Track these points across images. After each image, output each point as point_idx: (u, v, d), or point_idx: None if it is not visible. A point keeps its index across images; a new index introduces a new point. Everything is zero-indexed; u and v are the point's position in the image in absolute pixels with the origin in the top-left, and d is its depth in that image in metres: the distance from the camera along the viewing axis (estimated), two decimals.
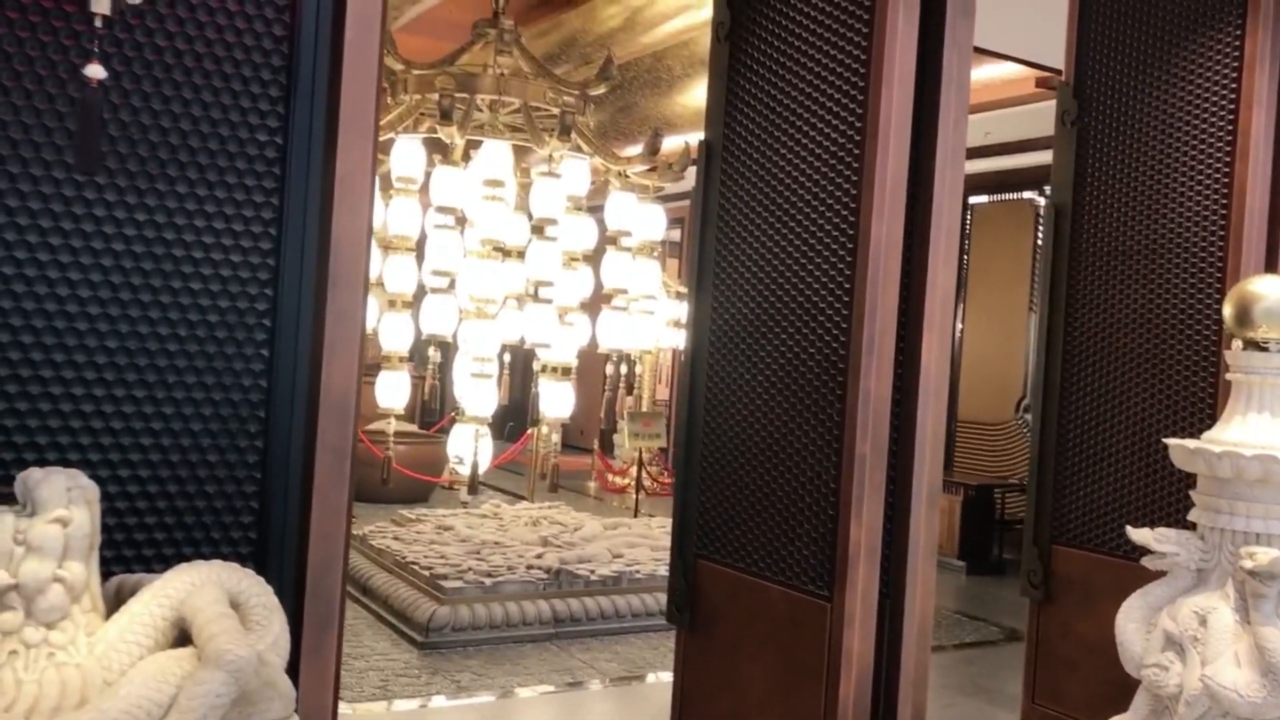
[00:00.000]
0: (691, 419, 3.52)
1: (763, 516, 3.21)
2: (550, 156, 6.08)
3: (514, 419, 13.66)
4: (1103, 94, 4.05)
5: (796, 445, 3.11)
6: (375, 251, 5.90)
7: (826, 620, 2.94)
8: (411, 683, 5.13)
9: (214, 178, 2.20)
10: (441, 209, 5.93)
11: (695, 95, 8.51)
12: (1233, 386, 2.91)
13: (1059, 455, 4.11)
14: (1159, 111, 3.89)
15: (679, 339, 9.96)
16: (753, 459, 3.27)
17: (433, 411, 11.65)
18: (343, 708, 2.70)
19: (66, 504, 1.77)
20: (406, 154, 5.89)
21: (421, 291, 6.09)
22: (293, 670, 2.08)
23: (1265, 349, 2.83)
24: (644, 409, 11.63)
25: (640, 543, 7.25)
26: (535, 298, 6.17)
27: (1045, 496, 4.12)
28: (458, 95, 5.90)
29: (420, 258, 6.08)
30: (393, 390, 6.08)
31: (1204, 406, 3.68)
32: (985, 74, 7.28)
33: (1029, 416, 4.91)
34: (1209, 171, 3.75)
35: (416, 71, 6.06)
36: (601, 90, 6.43)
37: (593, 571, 6.46)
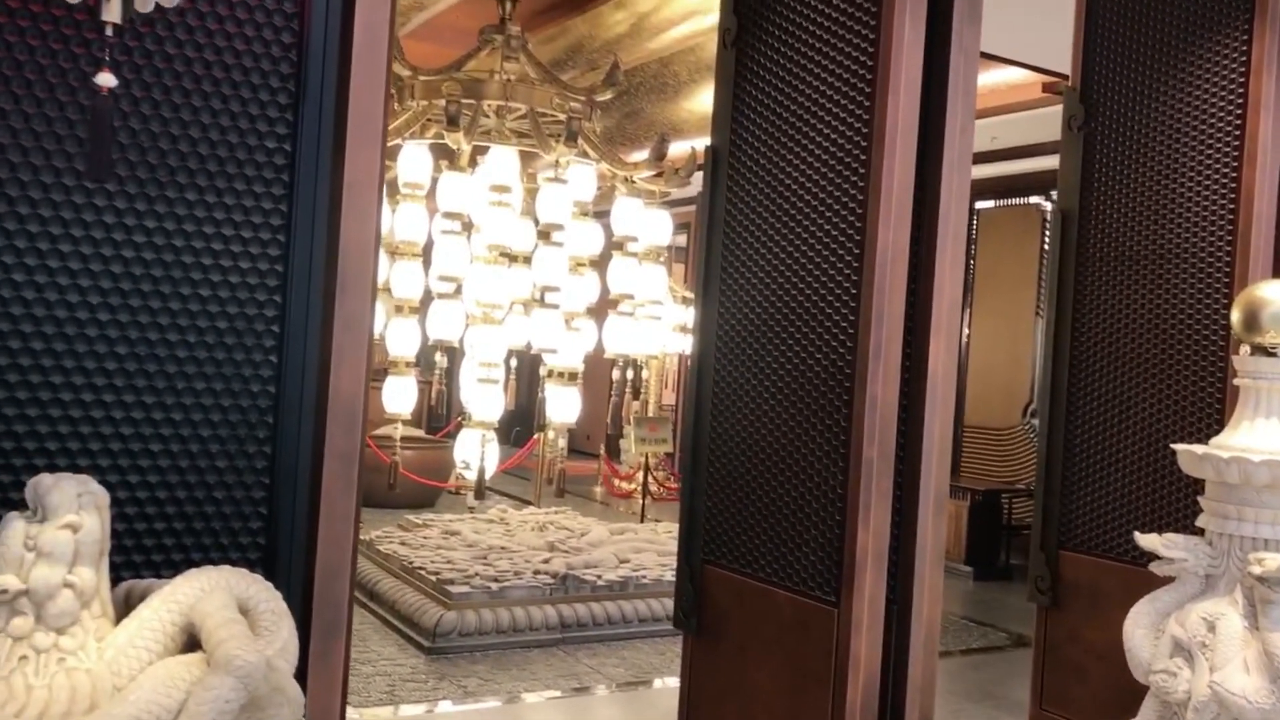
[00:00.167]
0: (698, 424, 3.52)
1: (769, 522, 3.21)
2: (557, 162, 6.09)
3: (520, 424, 13.66)
4: (1109, 99, 4.05)
5: (803, 451, 3.11)
6: (382, 257, 5.92)
7: (833, 626, 2.94)
8: (418, 688, 5.13)
9: (223, 184, 2.21)
10: (448, 214, 5.94)
11: (701, 101, 8.52)
12: (1240, 392, 2.91)
13: (1066, 460, 4.10)
14: (1166, 116, 3.89)
15: (685, 344, 9.97)
16: (759, 464, 3.27)
17: (439, 417, 11.66)
18: (350, 713, 2.71)
19: (77, 510, 1.78)
20: (413, 160, 5.90)
21: (428, 297, 6.10)
22: (301, 675, 2.09)
23: (1273, 354, 2.82)
24: (650, 414, 11.62)
25: (647, 548, 7.24)
26: (542, 303, 6.18)
27: (1053, 502, 4.11)
28: (464, 101, 5.91)
29: (427, 263, 6.09)
30: (400, 395, 6.09)
31: (1211, 412, 3.67)
32: (992, 79, 7.28)
33: (1036, 421, 4.90)
34: (1216, 176, 3.75)
35: (423, 77, 6.07)
36: (608, 96, 6.44)
37: (599, 577, 6.46)
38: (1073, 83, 4.17)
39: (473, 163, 6.21)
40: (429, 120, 6.14)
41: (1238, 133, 3.69)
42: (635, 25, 7.08)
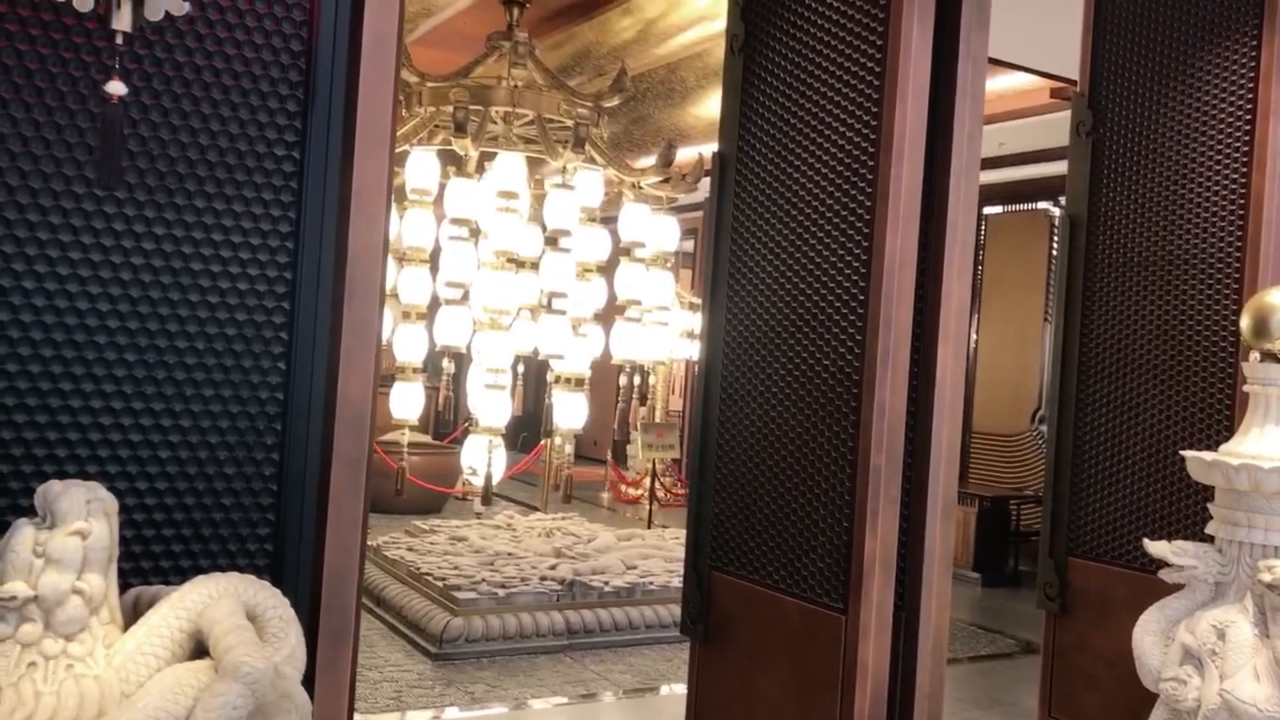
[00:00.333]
0: (705, 430, 3.52)
1: (777, 528, 3.21)
2: (564, 168, 6.10)
3: (527, 430, 13.68)
4: (1118, 105, 4.05)
5: (811, 457, 3.11)
6: (390, 263, 5.93)
7: (841, 633, 2.93)
8: (425, 694, 5.13)
9: (232, 191, 2.22)
10: (456, 221, 5.95)
11: (709, 107, 8.53)
12: (1250, 398, 2.90)
13: (1075, 467, 4.09)
14: (1175, 122, 3.88)
15: (692, 350, 9.96)
16: (767, 471, 3.26)
17: (447, 422, 11.68)
18: (357, 719, 2.71)
19: (86, 516, 1.78)
20: (421, 166, 5.91)
21: (436, 303, 6.11)
22: (308, 682, 2.09)
23: None
24: (657, 420, 11.62)
25: (654, 554, 7.24)
26: (549, 309, 6.18)
27: (1061, 508, 4.10)
28: (472, 107, 5.93)
29: (435, 269, 6.10)
30: (407, 401, 6.10)
31: (1221, 418, 3.66)
32: (1000, 85, 7.28)
33: (1044, 428, 4.89)
34: (1226, 182, 3.74)
35: (431, 84, 6.09)
36: (615, 102, 6.45)
37: (606, 583, 6.46)
38: (1081, 88, 4.16)
39: (480, 169, 6.22)
40: (437, 126, 6.15)
41: (1247, 138, 3.69)
42: (642, 31, 7.09)
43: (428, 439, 10.87)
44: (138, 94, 2.12)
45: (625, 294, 6.47)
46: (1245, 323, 2.88)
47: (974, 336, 10.04)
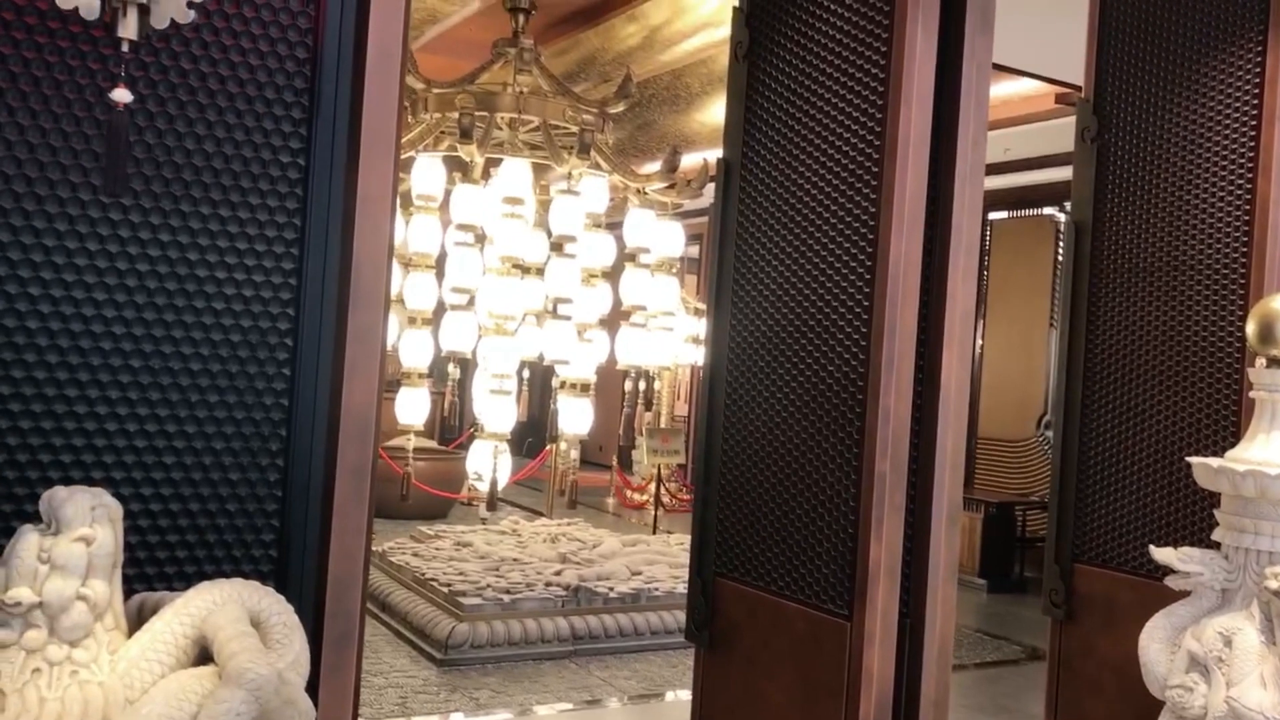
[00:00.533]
0: (710, 436, 3.52)
1: (782, 534, 3.20)
2: (569, 174, 6.11)
3: (533, 435, 13.68)
4: (1123, 110, 4.04)
5: (816, 463, 3.11)
6: (395, 269, 5.94)
7: (846, 639, 2.93)
8: (430, 700, 5.13)
9: (237, 199, 2.22)
10: (461, 226, 5.96)
11: (714, 113, 8.54)
12: (1256, 405, 2.89)
13: (1080, 472, 4.08)
14: (1180, 128, 3.88)
15: (698, 355, 9.96)
16: (772, 476, 3.26)
17: (452, 428, 11.66)
18: None
19: (90, 522, 1.79)
20: (427, 172, 5.92)
21: (441, 308, 6.12)
22: (313, 688, 2.09)
23: None
24: (663, 425, 11.62)
25: (659, 560, 7.23)
26: (554, 314, 6.19)
27: (1067, 514, 4.09)
28: (477, 114, 5.94)
29: (440, 275, 6.11)
30: (412, 407, 6.11)
31: (1227, 424, 3.65)
32: (1005, 90, 7.27)
33: (1050, 433, 4.88)
34: (1231, 188, 3.73)
35: (437, 90, 6.10)
36: (620, 108, 6.46)
37: (611, 589, 6.46)
38: (1086, 94, 4.16)
39: (486, 175, 6.23)
40: (442, 133, 6.16)
41: (1253, 145, 3.68)
42: (647, 38, 7.10)
43: (433, 444, 10.87)
44: (143, 101, 2.12)
45: (630, 299, 6.48)
46: (1251, 329, 2.88)
47: (979, 342, 10.03)
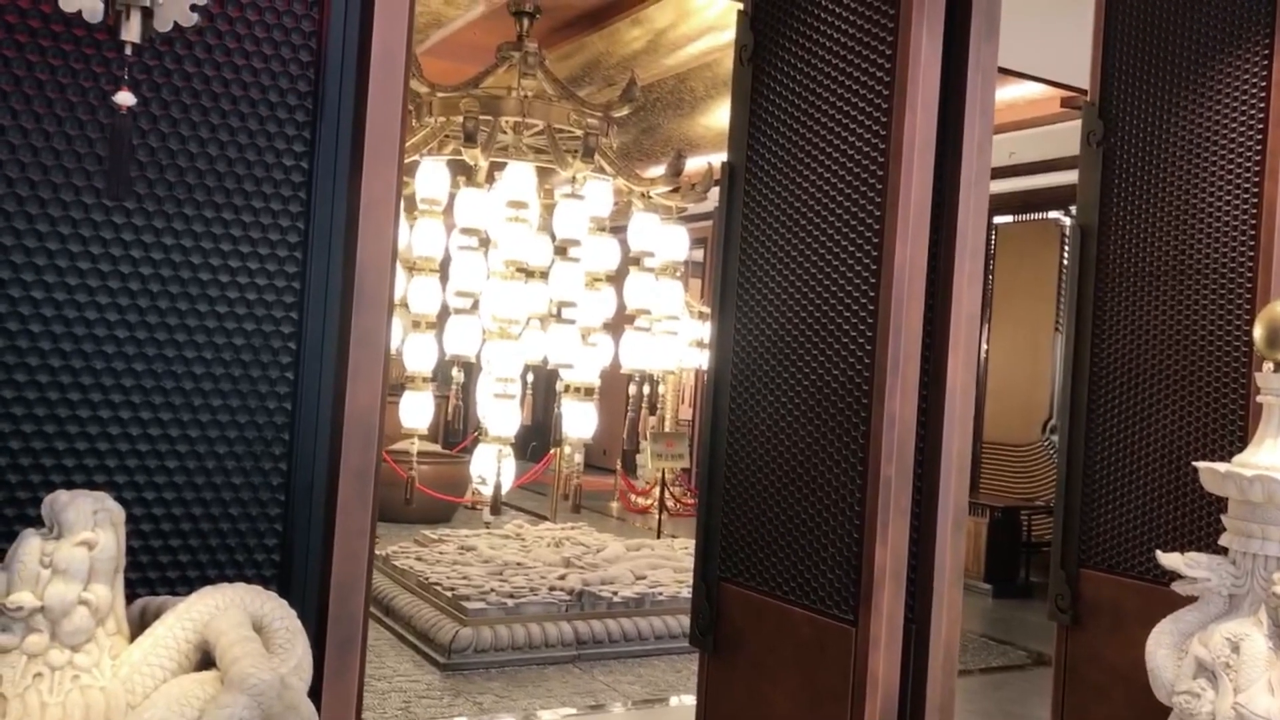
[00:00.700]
0: (714, 440, 3.51)
1: (786, 539, 3.19)
2: (573, 178, 6.11)
3: (537, 439, 13.67)
4: (1128, 114, 4.03)
5: (820, 467, 3.10)
6: (400, 272, 5.94)
7: (851, 644, 2.92)
8: (434, 704, 5.12)
9: (240, 202, 2.22)
10: (465, 230, 5.96)
11: (718, 117, 8.54)
12: (1264, 409, 2.87)
13: (1086, 477, 4.06)
14: (1186, 131, 3.87)
15: (702, 359, 9.96)
16: (776, 481, 3.25)
17: (456, 432, 11.67)
18: None
19: (92, 527, 1.78)
20: (431, 176, 5.93)
21: (445, 312, 6.12)
22: (315, 693, 2.08)
23: None
24: (667, 429, 11.61)
25: (663, 564, 7.22)
26: (558, 318, 6.19)
27: (1073, 519, 4.07)
28: (482, 117, 5.94)
29: (444, 279, 6.11)
30: (416, 411, 6.10)
31: (1234, 429, 3.63)
32: (1010, 94, 7.26)
33: (1055, 438, 4.87)
34: (1237, 191, 3.72)
35: (441, 94, 6.11)
36: (625, 112, 6.46)
37: (615, 593, 6.45)
38: (1091, 98, 4.15)
39: (490, 179, 6.23)
40: (447, 136, 6.17)
41: (1259, 147, 3.67)
42: (652, 42, 7.10)
43: (437, 448, 10.87)
44: (147, 105, 2.12)
45: (634, 303, 6.47)
46: (1259, 333, 2.86)
47: (984, 346, 10.01)
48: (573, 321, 6.14)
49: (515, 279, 6.01)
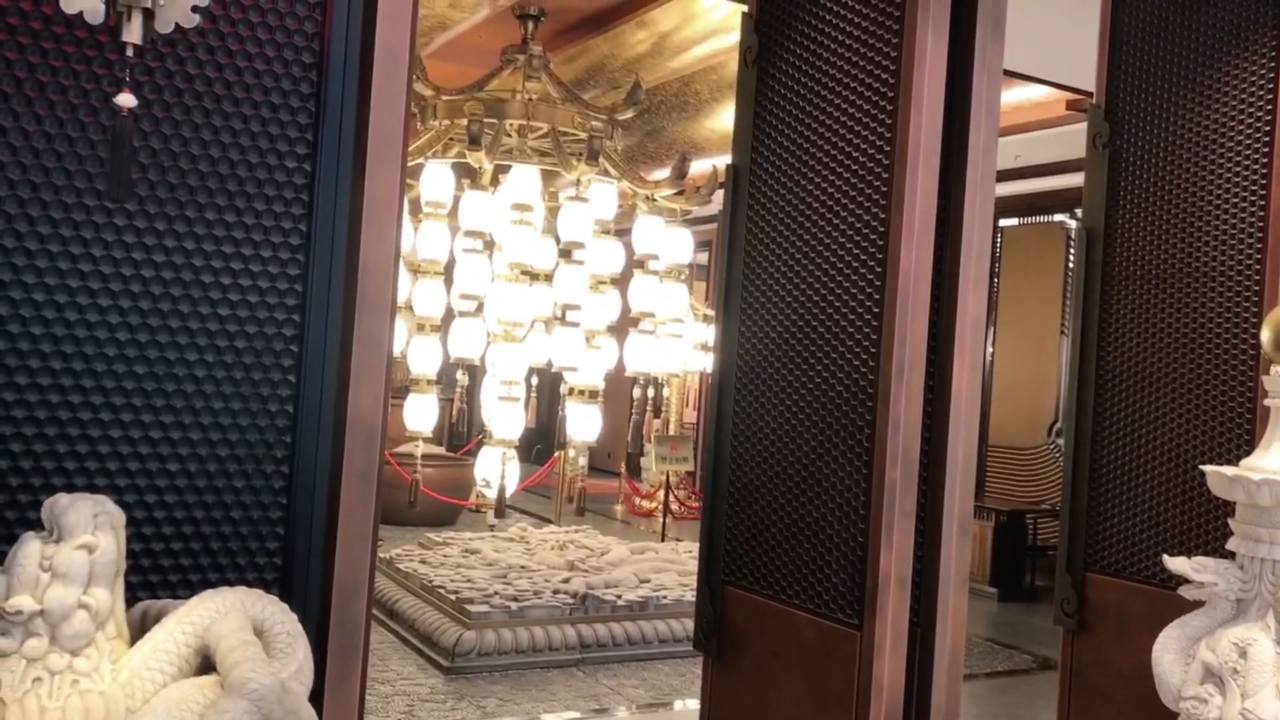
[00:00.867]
0: (719, 443, 3.49)
1: (791, 543, 3.18)
2: (578, 181, 6.10)
3: (541, 442, 13.67)
4: (1135, 116, 4.01)
5: (825, 471, 3.08)
6: (404, 275, 5.94)
7: (856, 649, 2.90)
8: (437, 708, 5.11)
9: (243, 204, 2.21)
10: (470, 233, 5.96)
11: (723, 119, 8.53)
12: (1271, 412, 2.86)
13: (1092, 481, 4.04)
14: (1192, 133, 3.85)
15: (706, 362, 9.93)
16: (781, 484, 3.24)
17: (460, 434, 11.67)
18: None
19: (92, 530, 1.77)
20: (436, 179, 5.92)
21: (450, 315, 6.11)
22: (317, 698, 2.07)
23: None
24: (671, 432, 11.60)
25: (667, 568, 7.21)
26: (563, 321, 6.18)
27: (1078, 523, 4.05)
28: (486, 120, 5.94)
29: (449, 281, 6.11)
30: (421, 413, 6.10)
31: (1241, 433, 3.62)
32: (1016, 97, 7.25)
33: (1061, 441, 4.84)
34: (1244, 194, 3.70)
35: (446, 97, 6.11)
36: (629, 115, 6.46)
37: (619, 597, 6.43)
38: (1097, 100, 4.13)
39: (495, 181, 6.23)
40: (451, 139, 6.17)
41: (1266, 149, 3.65)
42: (656, 44, 7.09)
43: (441, 451, 10.87)
44: (149, 106, 2.12)
45: (639, 306, 6.47)
46: (1266, 336, 2.85)
47: (990, 349, 9.99)
48: (577, 324, 6.14)
49: (520, 282, 6.00)
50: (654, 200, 6.41)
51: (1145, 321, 3.94)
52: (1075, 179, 6.46)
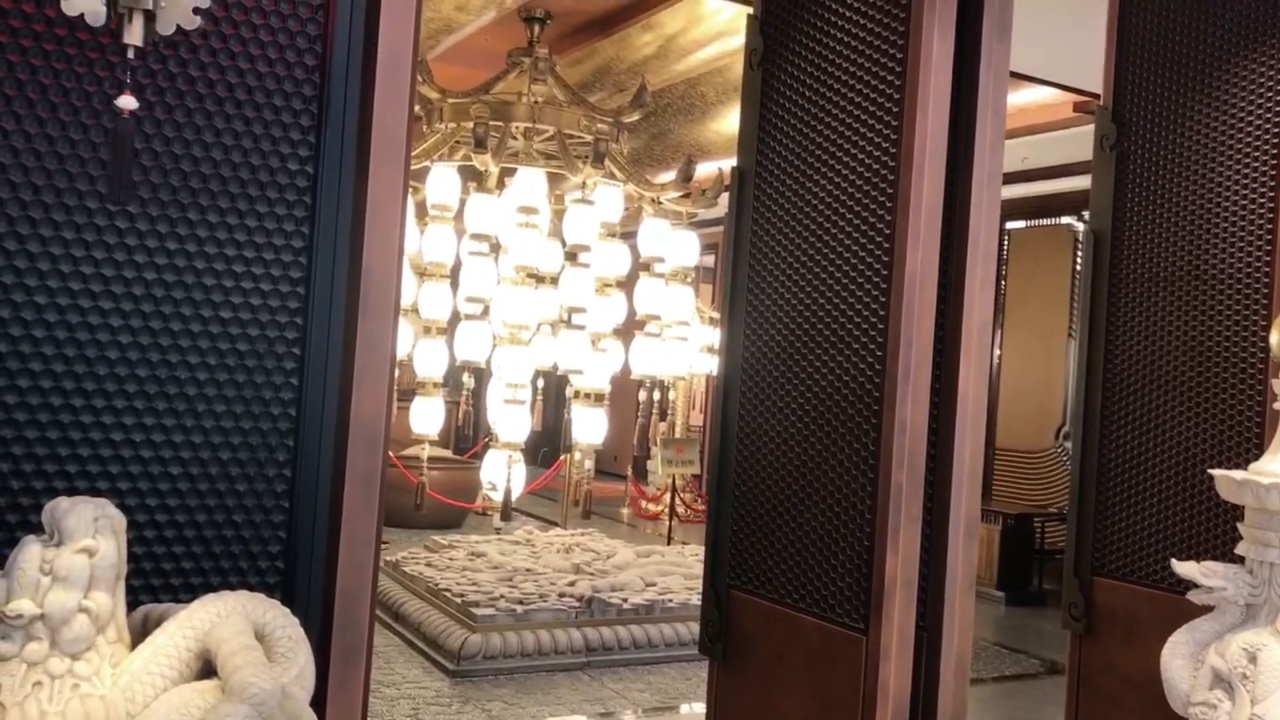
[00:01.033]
0: (724, 446, 3.48)
1: (797, 546, 3.17)
2: (584, 183, 6.10)
3: (547, 445, 13.66)
4: (1142, 118, 3.99)
5: (831, 474, 3.07)
6: (411, 278, 5.94)
7: (862, 653, 2.89)
8: (442, 711, 5.10)
9: (245, 207, 2.20)
10: (476, 236, 5.96)
11: (728, 122, 8.52)
12: None
13: (1100, 484, 4.02)
14: (1200, 135, 3.83)
15: (712, 365, 9.92)
16: (787, 487, 3.22)
17: (466, 437, 11.68)
18: None
19: (93, 534, 1.76)
20: (442, 182, 5.92)
21: (456, 318, 6.11)
22: (319, 703, 2.07)
23: None
24: (677, 435, 11.58)
25: (673, 571, 7.19)
26: (569, 324, 6.18)
27: (1086, 526, 4.03)
28: (492, 123, 5.94)
29: (455, 284, 6.11)
30: (427, 416, 6.10)
31: (1250, 436, 3.59)
32: (1022, 98, 7.22)
33: (1069, 444, 4.82)
34: (1253, 196, 3.68)
35: (452, 100, 6.11)
36: (635, 117, 6.45)
37: (625, 600, 6.42)
38: (1104, 102, 4.11)
39: (500, 184, 6.23)
40: (457, 142, 6.17)
41: (1274, 151, 3.63)
42: (663, 47, 7.09)
43: (447, 454, 10.87)
44: (150, 108, 2.11)
45: (645, 309, 6.46)
46: (1275, 339, 2.83)
47: (997, 352, 9.96)
48: (583, 327, 6.13)
49: (525, 284, 6.00)
50: (660, 203, 6.40)
51: (1153, 324, 3.91)
52: (1083, 181, 6.44)
